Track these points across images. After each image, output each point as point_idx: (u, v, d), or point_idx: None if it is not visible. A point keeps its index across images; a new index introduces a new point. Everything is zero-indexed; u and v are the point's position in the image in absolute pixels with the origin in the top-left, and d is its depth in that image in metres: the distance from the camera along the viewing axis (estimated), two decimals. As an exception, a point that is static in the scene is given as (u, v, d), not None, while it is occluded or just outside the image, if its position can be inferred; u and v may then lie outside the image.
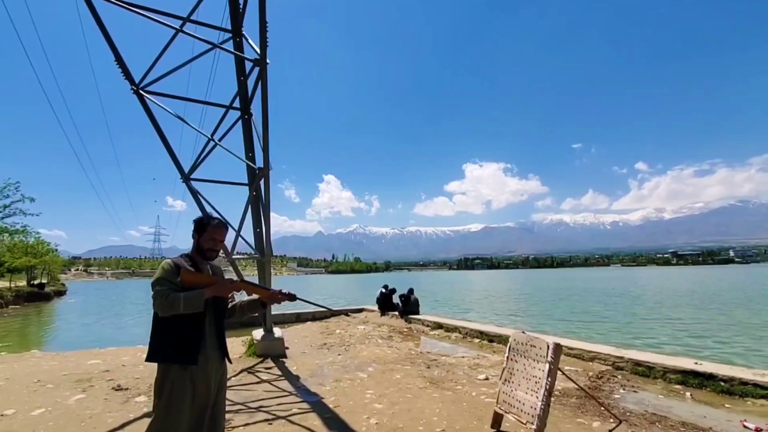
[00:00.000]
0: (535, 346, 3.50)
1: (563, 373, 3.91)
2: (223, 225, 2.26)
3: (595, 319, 15.75)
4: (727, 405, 4.08)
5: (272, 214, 7.29)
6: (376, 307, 12.98)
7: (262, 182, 6.90)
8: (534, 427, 3.14)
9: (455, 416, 3.91)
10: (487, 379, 5.31)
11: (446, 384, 5.08)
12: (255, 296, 2.29)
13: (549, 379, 3.25)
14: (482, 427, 3.62)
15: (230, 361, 2.30)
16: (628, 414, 3.89)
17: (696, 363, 5.01)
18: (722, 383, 4.44)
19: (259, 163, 6.88)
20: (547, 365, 3.30)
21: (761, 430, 3.34)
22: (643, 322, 14.56)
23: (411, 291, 11.96)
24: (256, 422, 3.78)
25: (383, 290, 12.84)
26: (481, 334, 8.13)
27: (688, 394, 4.44)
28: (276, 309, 14.53)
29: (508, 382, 3.60)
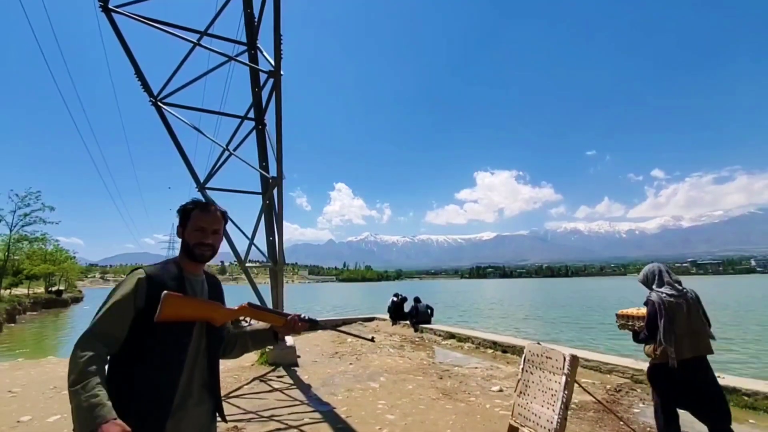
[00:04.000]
0: (551, 358, 3.43)
1: (580, 386, 3.81)
2: (212, 207, 1.54)
3: (611, 330, 15.37)
4: (751, 420, 3.93)
5: (284, 223, 7.35)
6: (387, 316, 12.90)
7: (275, 191, 6.98)
8: (551, 441, 3.05)
9: (469, 429, 3.84)
10: (501, 390, 5.21)
11: (459, 395, 5.00)
12: (264, 324, 1.67)
13: (566, 392, 3.17)
14: (497, 441, 3.54)
15: (225, 419, 1.58)
16: (648, 429, 3.77)
17: (719, 377, 4.83)
18: (746, 398, 4.28)
19: (272, 172, 6.97)
20: (564, 377, 3.23)
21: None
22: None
23: (417, 300, 11.87)
24: (267, 431, 3.77)
25: (394, 299, 12.77)
26: (495, 345, 8.01)
27: (711, 409, 4.27)
28: (287, 317, 14.56)
29: (524, 394, 3.52)
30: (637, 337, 3.39)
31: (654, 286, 3.26)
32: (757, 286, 56.57)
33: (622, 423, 3.83)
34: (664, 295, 3.13)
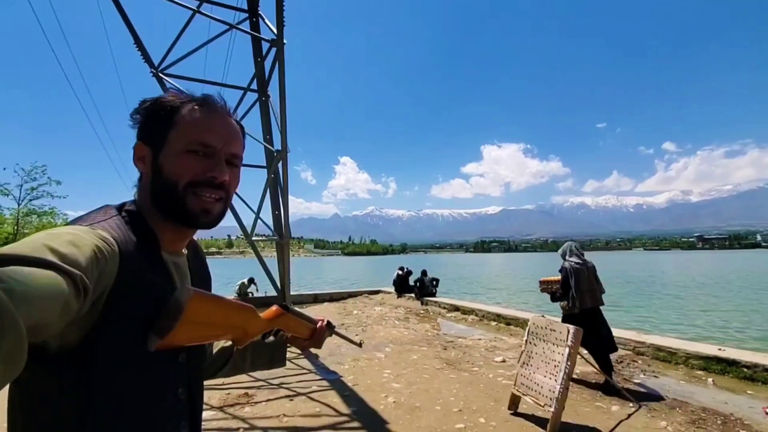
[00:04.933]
0: (555, 330, 3.47)
1: (582, 357, 3.88)
2: (221, 106, 0.76)
3: (616, 304, 15.53)
4: (749, 391, 3.99)
5: (290, 197, 7.36)
6: (392, 289, 13.10)
7: (280, 165, 6.94)
8: (552, 409, 3.14)
9: (472, 397, 3.95)
10: (504, 361, 5.32)
11: (463, 365, 5.12)
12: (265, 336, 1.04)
13: (568, 363, 3.23)
14: (499, 409, 3.64)
15: None
16: (647, 398, 3.85)
17: (719, 349, 4.89)
18: (745, 369, 4.33)
19: (277, 145, 6.91)
20: (567, 349, 3.28)
21: (789, 418, 3.25)
22: (665, 307, 14.28)
23: (424, 273, 12.00)
24: (277, 398, 3.91)
25: (399, 272, 12.92)
26: (498, 317, 8.13)
27: (710, 379, 4.35)
28: (295, 290, 14.87)
29: (527, 365, 3.60)
30: (554, 297, 4.72)
31: (566, 257, 4.67)
32: (757, 260, 56.39)
33: (622, 392, 3.91)
34: (573, 263, 4.53)
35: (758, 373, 4.23)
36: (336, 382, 4.43)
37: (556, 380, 3.23)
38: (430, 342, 6.48)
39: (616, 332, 6.18)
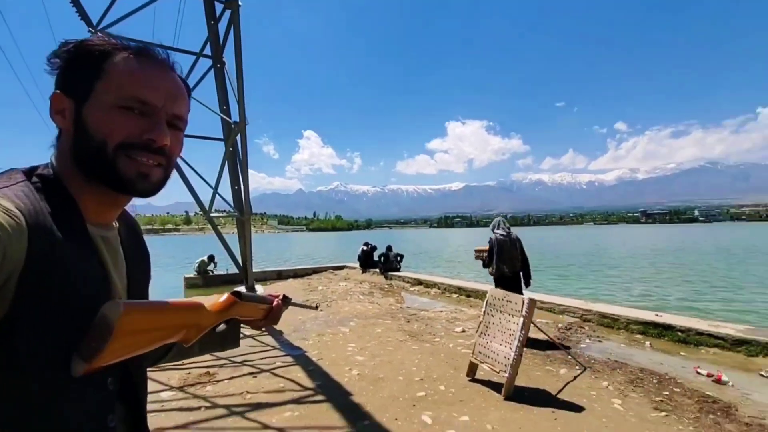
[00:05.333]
0: (511, 301, 3.65)
1: (535, 326, 4.13)
2: (162, 57, 0.65)
3: (563, 275, 16.57)
4: (682, 353, 4.43)
5: (250, 171, 7.09)
6: (357, 265, 13.19)
7: (238, 137, 6.62)
8: (506, 375, 3.34)
9: (433, 366, 4.12)
10: (463, 331, 5.56)
11: (425, 337, 5.30)
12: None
13: (523, 332, 3.42)
14: (458, 376, 3.83)
15: None
16: (592, 362, 4.19)
17: (656, 315, 5.36)
18: (679, 333, 4.80)
19: (235, 117, 6.57)
20: (522, 319, 3.46)
21: (712, 375, 3.66)
22: (608, 277, 15.42)
23: (389, 248, 12.15)
24: (241, 375, 3.88)
25: (364, 247, 13.00)
26: (459, 290, 8.44)
27: (647, 343, 4.79)
28: (257, 266, 14.60)
29: (484, 334, 3.77)
30: (484, 263, 5.61)
31: (494, 230, 5.51)
32: (697, 234, 61.91)
33: (570, 356, 4.23)
34: (499, 235, 5.38)
35: (691, 337, 4.69)
36: (300, 358, 4.46)
37: (511, 348, 3.43)
38: (393, 315, 6.64)
39: (565, 301, 6.61)
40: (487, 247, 5.51)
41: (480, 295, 7.64)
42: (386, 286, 9.90)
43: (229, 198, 7.25)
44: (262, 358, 4.41)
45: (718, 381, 3.55)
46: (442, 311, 6.95)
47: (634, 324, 5.26)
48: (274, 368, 4.08)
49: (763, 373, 3.70)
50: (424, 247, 38.42)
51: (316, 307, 1.71)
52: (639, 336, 5.04)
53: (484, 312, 3.90)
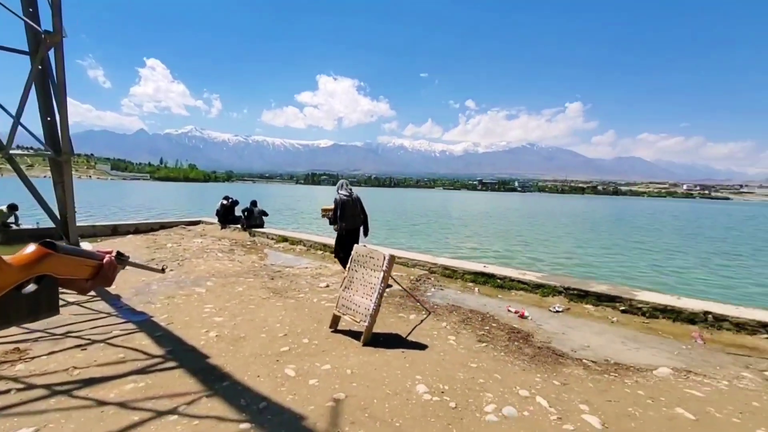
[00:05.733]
0: (373, 258, 3.93)
1: (392, 278, 4.57)
2: None
3: (417, 231, 18.62)
4: (499, 296, 5.56)
5: (71, 101, 5.58)
6: (215, 220, 12.12)
7: (52, 53, 5.09)
8: (366, 324, 3.65)
9: (297, 321, 4.20)
10: (327, 286, 5.78)
11: (289, 293, 5.33)
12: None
13: (382, 285, 3.75)
14: (321, 329, 4.01)
15: None
16: (435, 307, 4.91)
17: (484, 266, 6.55)
18: (498, 280, 5.99)
19: (46, 25, 4.99)
20: (382, 273, 3.78)
21: (518, 312, 4.71)
22: (452, 233, 17.98)
23: (254, 203, 11.51)
24: (64, 349, 3.25)
25: (224, 202, 11.98)
26: (325, 247, 8.63)
27: (476, 289, 5.83)
28: (84, 219, 11.99)
29: (348, 289, 4.00)
30: (330, 221, 6.26)
31: (338, 191, 6.16)
32: (515, 201, 76.60)
33: (419, 303, 4.86)
34: (342, 195, 6.07)
35: (506, 283, 5.88)
36: (145, 323, 3.96)
37: (371, 300, 3.73)
38: (256, 273, 6.42)
39: (416, 256, 7.47)
40: (331, 207, 6.19)
41: (344, 251, 7.97)
42: (249, 243, 9.43)
43: (40, 133, 5.61)
44: (92, 328, 3.76)
45: (522, 316, 4.62)
46: (307, 268, 7.04)
47: (468, 274, 6.31)
48: (110, 338, 3.54)
49: (551, 308, 4.96)
50: (289, 203, 37.51)
51: (163, 270, 1.45)
52: (471, 284, 6.09)
53: (349, 268, 4.11)
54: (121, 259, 1.07)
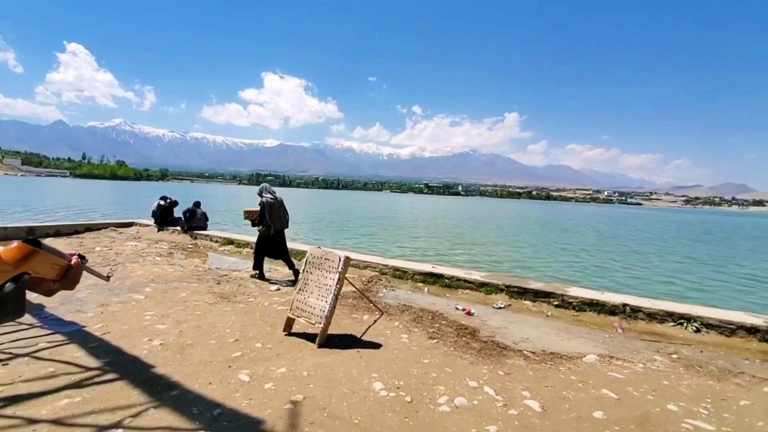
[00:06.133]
0: (329, 260, 3.96)
1: (347, 280, 4.62)
2: None
3: (367, 233, 18.76)
4: (447, 295, 5.83)
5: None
6: (151, 222, 11.29)
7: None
8: (321, 325, 3.67)
9: (249, 326, 4.10)
10: (278, 289, 5.68)
11: (238, 297, 5.16)
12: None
13: (338, 286, 3.79)
14: (275, 332, 3.95)
15: None
16: (388, 307, 5.03)
17: (433, 267, 6.82)
18: (446, 280, 6.27)
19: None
20: (337, 275, 3.82)
21: (465, 310, 4.98)
22: (400, 235, 18.35)
23: (197, 204, 10.91)
24: (-24, 367, 2.89)
25: (162, 202, 11.20)
26: (273, 250, 8.42)
27: (426, 289, 6.06)
28: (-13, 221, 10.53)
29: (303, 291, 3.99)
30: (254, 223, 6.35)
31: (263, 194, 6.24)
32: (459, 204, 79.81)
33: (372, 304, 4.95)
34: (268, 198, 6.19)
35: (454, 282, 6.18)
36: (77, 334, 3.64)
37: (326, 301, 3.76)
38: (200, 277, 6.13)
39: (368, 258, 7.57)
40: (255, 209, 6.29)
41: (294, 254, 7.85)
42: (190, 246, 8.93)
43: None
44: (13, 341, 3.38)
45: (469, 313, 4.89)
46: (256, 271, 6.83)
47: (417, 275, 6.53)
48: (35, 351, 3.21)
49: (494, 305, 5.30)
50: (232, 205, 35.85)
51: (108, 278, 1.40)
52: (420, 284, 6.31)
53: (303, 270, 4.10)
54: (83, 262, 1.04)
